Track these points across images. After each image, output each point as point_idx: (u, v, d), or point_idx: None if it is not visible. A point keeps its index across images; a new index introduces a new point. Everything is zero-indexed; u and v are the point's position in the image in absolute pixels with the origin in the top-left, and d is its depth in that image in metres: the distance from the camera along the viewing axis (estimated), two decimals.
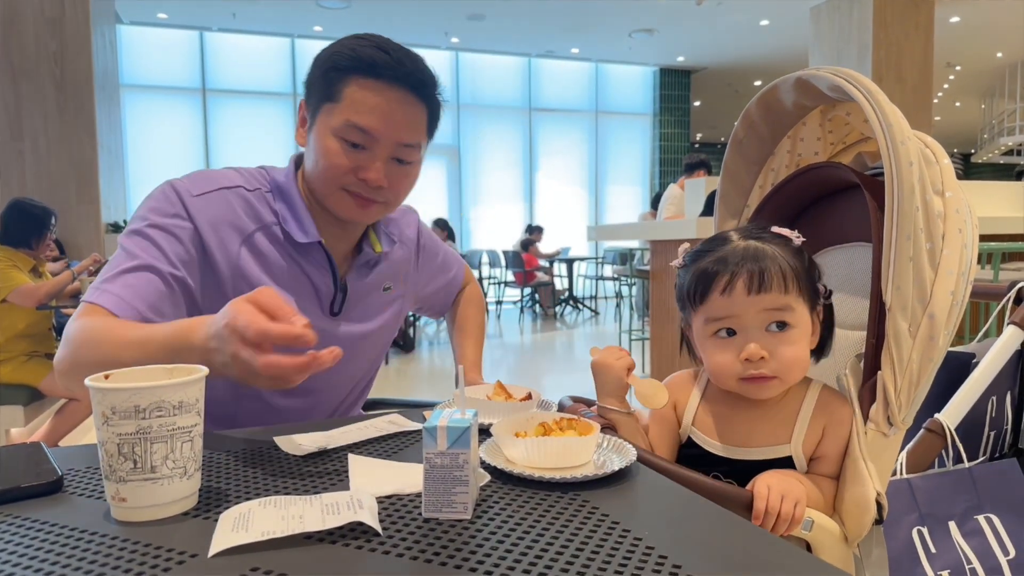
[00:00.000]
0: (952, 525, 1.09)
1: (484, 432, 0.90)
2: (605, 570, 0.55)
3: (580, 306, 9.19)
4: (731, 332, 0.92)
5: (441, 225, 7.10)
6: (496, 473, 0.78)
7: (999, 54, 11.11)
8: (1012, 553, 1.08)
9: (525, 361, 5.92)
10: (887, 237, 0.90)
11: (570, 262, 8.97)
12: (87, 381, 0.64)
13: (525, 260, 8.26)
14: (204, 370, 0.70)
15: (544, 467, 0.79)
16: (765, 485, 0.85)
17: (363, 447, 0.89)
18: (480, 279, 7.92)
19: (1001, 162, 13.77)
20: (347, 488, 0.73)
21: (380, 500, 0.70)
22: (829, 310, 0.99)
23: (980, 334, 1.27)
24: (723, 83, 11.88)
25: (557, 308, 8.92)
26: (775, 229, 0.97)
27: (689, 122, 11.38)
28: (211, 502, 0.70)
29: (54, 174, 5.87)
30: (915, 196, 0.89)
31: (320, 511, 0.64)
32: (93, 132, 5.97)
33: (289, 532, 0.60)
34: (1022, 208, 4.85)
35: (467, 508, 0.66)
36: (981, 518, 1.10)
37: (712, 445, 0.97)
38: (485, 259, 8.46)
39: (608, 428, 0.97)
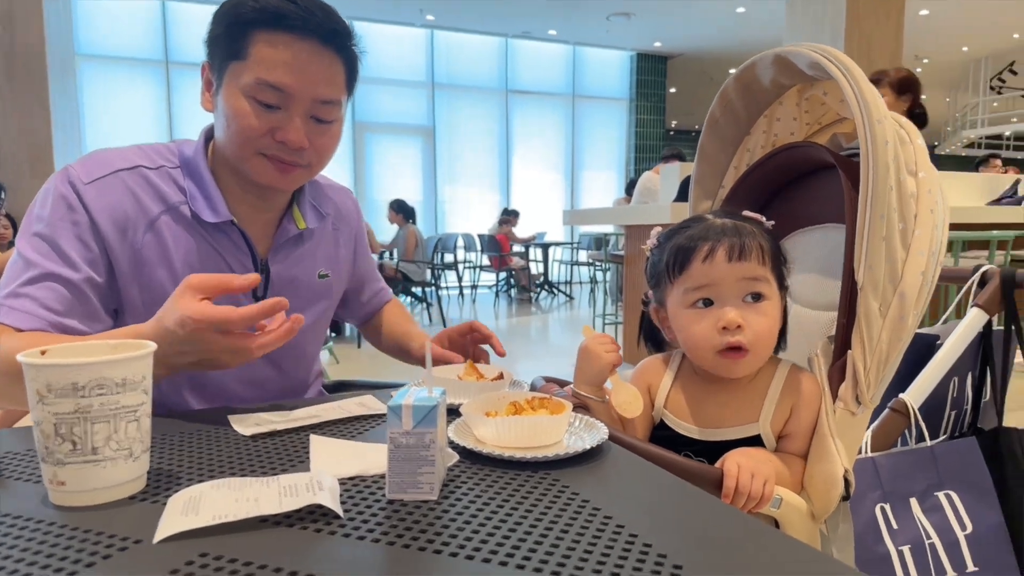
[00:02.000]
0: (913, 502, 1.10)
1: (454, 412, 0.88)
2: (574, 549, 0.54)
3: (555, 291, 9.21)
4: (708, 303, 0.92)
5: (397, 208, 6.61)
6: (465, 453, 0.76)
7: (965, 48, 11.31)
8: (969, 528, 1.09)
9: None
10: (861, 217, 0.90)
11: (545, 247, 8.97)
12: (19, 357, 0.60)
13: (500, 243, 8.24)
14: (151, 346, 0.66)
15: (514, 447, 0.77)
16: (735, 464, 0.85)
17: (327, 428, 0.87)
18: (455, 263, 7.87)
19: (963, 154, 14.06)
20: (307, 470, 0.71)
21: (342, 482, 0.68)
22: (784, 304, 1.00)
23: (944, 316, 1.29)
24: (698, 70, 11.92)
25: (532, 293, 8.92)
26: (746, 214, 0.97)
27: (665, 108, 11.41)
28: (160, 485, 0.67)
29: (4, 147, 5.62)
30: (889, 175, 0.89)
31: (277, 493, 0.62)
32: (46, 103, 5.66)
33: (243, 516, 0.57)
34: (981, 198, 4.95)
35: (433, 489, 0.64)
36: (941, 495, 1.11)
37: (683, 427, 0.96)
38: (460, 243, 8.40)
39: (581, 408, 0.96)
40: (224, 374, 1.08)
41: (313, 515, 0.60)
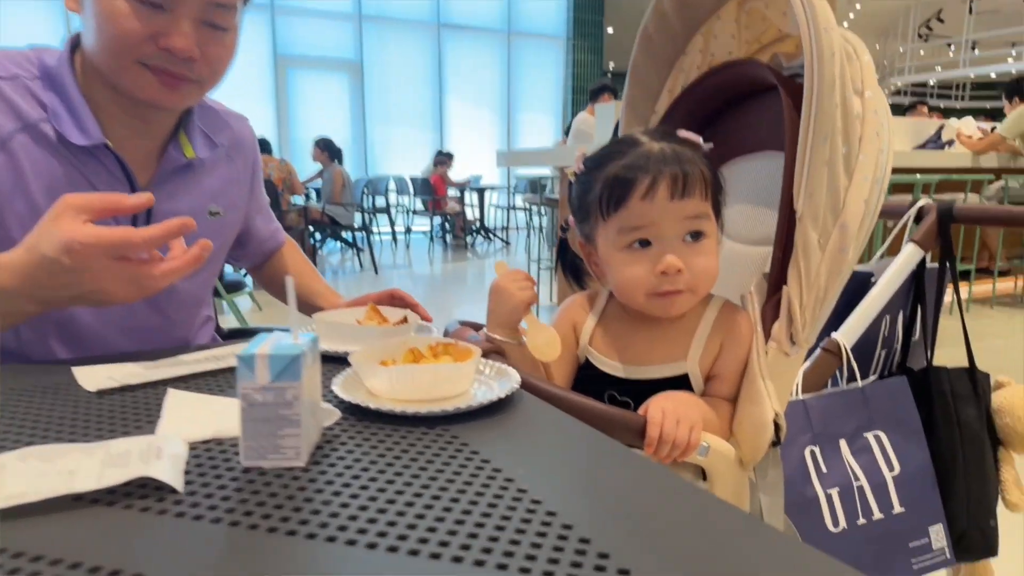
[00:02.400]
0: (843, 443, 1.07)
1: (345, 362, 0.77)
2: (463, 523, 0.44)
3: (491, 236, 9.07)
4: (644, 243, 0.82)
5: (323, 146, 6.16)
6: (352, 410, 0.65)
7: None
8: (897, 469, 1.07)
9: (435, 291, 5.78)
10: (803, 139, 0.81)
11: (481, 191, 8.78)
12: None
13: (434, 187, 8.00)
14: None
15: (413, 399, 0.67)
16: (659, 409, 0.77)
17: (194, 382, 0.74)
18: (387, 207, 7.60)
19: (890, 102, 14.45)
20: (154, 432, 0.59)
21: (194, 447, 0.56)
22: None
23: (879, 253, 1.24)
24: (637, 10, 11.67)
25: (468, 238, 8.77)
26: (682, 134, 0.87)
27: (603, 48, 11.19)
28: None
29: None
30: (835, 93, 0.80)
31: (100, 464, 0.49)
32: None
33: (51, 494, 0.45)
34: (908, 143, 5.06)
35: (299, 454, 0.53)
36: (870, 435, 1.08)
37: (609, 365, 0.88)
38: (392, 186, 8.12)
39: (495, 354, 0.86)
40: (100, 321, 0.94)
41: (145, 490, 0.48)
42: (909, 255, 1.16)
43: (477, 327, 1.01)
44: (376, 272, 6.17)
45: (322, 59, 8.80)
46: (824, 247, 0.82)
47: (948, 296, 1.25)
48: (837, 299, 0.85)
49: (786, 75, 0.98)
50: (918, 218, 1.21)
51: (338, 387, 0.67)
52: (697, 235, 0.83)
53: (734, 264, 1.02)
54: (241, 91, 7.94)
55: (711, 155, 0.87)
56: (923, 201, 1.21)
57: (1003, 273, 4.77)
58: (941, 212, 1.16)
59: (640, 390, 0.84)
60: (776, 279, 0.86)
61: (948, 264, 1.17)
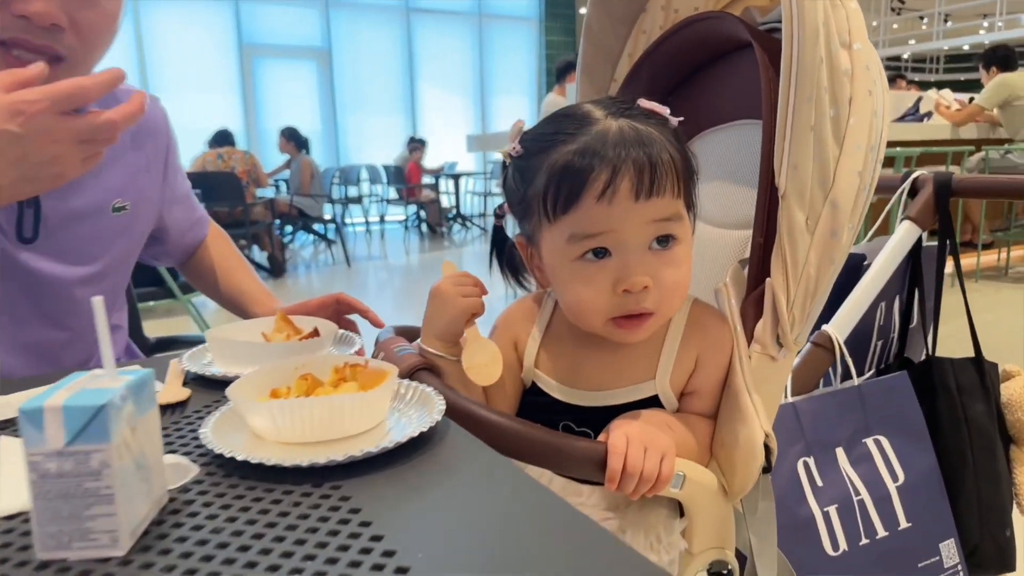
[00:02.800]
0: (840, 452, 0.94)
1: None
2: None
3: (468, 224, 8.90)
4: (602, 252, 0.66)
5: (289, 136, 5.93)
6: (221, 462, 0.51)
7: None
8: (901, 478, 0.95)
9: (411, 283, 5.62)
10: (783, 100, 0.68)
11: (456, 178, 8.59)
12: None
13: (408, 175, 7.81)
14: None
15: (305, 441, 0.53)
16: (623, 436, 0.64)
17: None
18: (359, 197, 7.39)
19: None
20: None
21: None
22: None
23: (870, 233, 1.12)
24: None
25: (444, 227, 8.59)
26: (645, 104, 0.70)
27: (575, 30, 10.99)
28: None
29: None
30: (819, 44, 0.67)
31: None
32: None
33: None
34: (888, 116, 4.95)
35: (116, 539, 0.39)
36: (870, 441, 0.96)
37: (560, 390, 0.74)
38: (364, 175, 7.91)
39: (426, 372, 0.72)
40: None
41: None
42: (905, 233, 1.03)
43: (416, 334, 0.86)
44: (349, 265, 5.99)
45: (289, 47, 8.54)
46: (813, 230, 0.69)
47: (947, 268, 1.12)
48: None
49: (761, 30, 0.84)
50: (912, 192, 1.09)
51: (209, 428, 0.53)
52: (666, 240, 0.67)
53: (708, 251, 0.89)
54: (205, 82, 7.71)
55: (679, 131, 0.72)
56: (918, 172, 1.08)
57: (986, 246, 4.70)
58: (938, 185, 1.03)
59: (601, 418, 0.70)
60: (757, 270, 0.73)
61: (949, 242, 1.04)
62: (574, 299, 0.68)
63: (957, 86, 6.28)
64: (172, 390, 0.66)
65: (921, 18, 12.44)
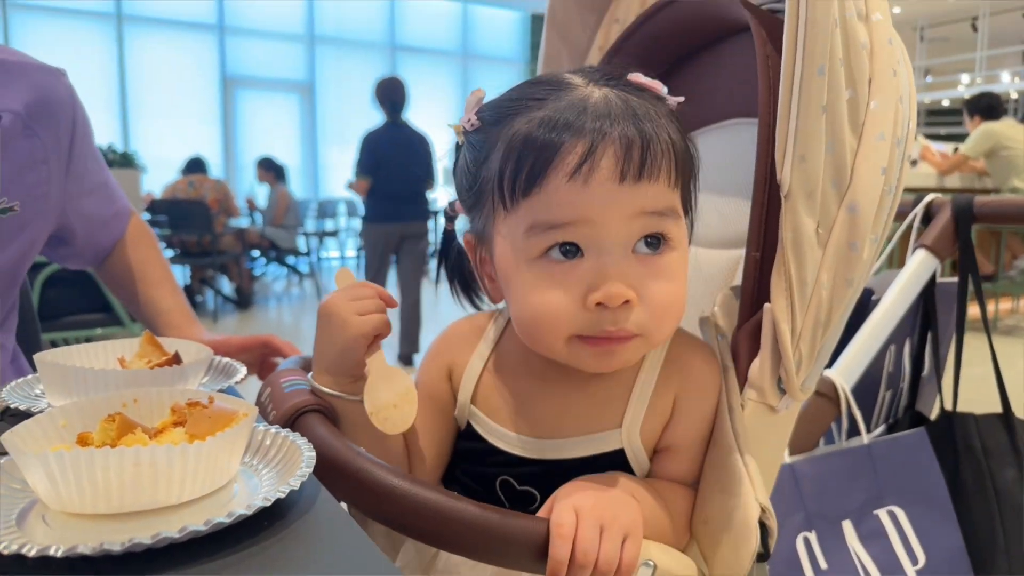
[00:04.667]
0: (847, 526, 0.77)
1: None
2: None
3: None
4: (571, 251, 0.50)
5: (267, 166, 5.78)
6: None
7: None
8: (922, 560, 0.78)
9: (392, 318, 5.44)
10: (787, 74, 0.53)
11: (435, 214, 8.49)
12: None
13: None
14: None
15: (97, 511, 0.36)
16: (570, 510, 0.47)
17: None
18: (335, 231, 7.23)
19: None
20: None
21: None
22: None
23: (879, 263, 0.97)
24: None
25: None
26: (635, 77, 0.55)
27: None
28: None
29: None
30: (832, 6, 0.52)
31: None
32: None
33: None
34: None
35: None
36: (883, 512, 0.79)
37: (502, 436, 0.57)
38: (343, 208, 7.77)
39: (317, 413, 0.54)
40: None
41: None
42: (920, 264, 0.88)
43: None
44: (319, 297, 5.80)
45: (272, 80, 8.52)
46: (825, 241, 0.53)
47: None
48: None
49: (759, 7, 0.70)
50: (926, 218, 0.94)
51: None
52: (657, 242, 0.51)
53: (692, 274, 0.73)
54: (185, 111, 7.62)
55: (679, 115, 0.57)
56: (932, 195, 0.93)
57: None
58: (958, 209, 0.89)
59: (551, 474, 0.53)
60: (753, 293, 0.57)
61: (971, 276, 0.89)
62: (530, 311, 0.51)
63: (938, 139, 6.31)
64: None
65: None
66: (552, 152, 0.49)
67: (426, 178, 3.85)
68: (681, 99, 0.57)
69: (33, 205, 0.81)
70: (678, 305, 0.53)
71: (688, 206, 0.56)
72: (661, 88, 0.55)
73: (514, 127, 0.52)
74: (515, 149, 0.51)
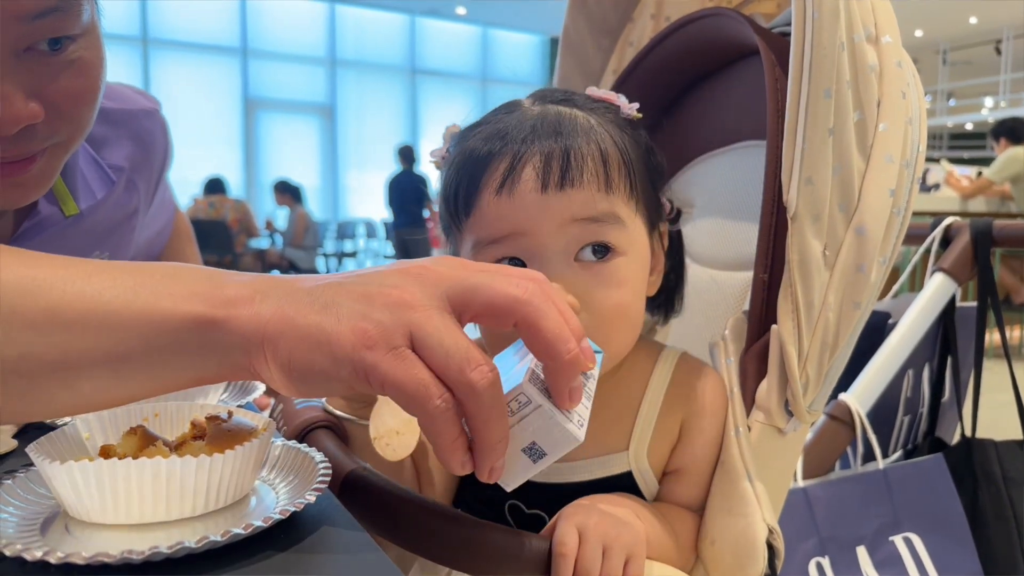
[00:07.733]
0: (862, 552, 0.76)
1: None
2: None
3: None
4: (518, 265, 0.52)
5: (283, 189, 5.77)
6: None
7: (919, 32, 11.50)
8: None
9: None
10: (793, 96, 0.53)
11: None
12: None
13: None
14: None
15: (119, 521, 0.38)
16: (573, 530, 0.47)
17: None
18: (354, 252, 7.30)
19: None
20: None
21: None
22: (677, 240, 0.63)
23: (895, 288, 0.96)
24: None
25: None
26: (593, 92, 0.59)
27: None
28: None
29: None
30: (839, 27, 0.53)
31: None
32: None
33: None
34: None
35: None
36: (898, 539, 0.78)
37: None
38: (362, 230, 7.86)
39: (327, 430, 0.55)
40: None
41: None
42: (938, 288, 0.87)
43: None
44: None
45: (294, 102, 8.68)
46: (832, 263, 0.53)
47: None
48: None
49: (769, 30, 0.71)
50: (944, 242, 0.93)
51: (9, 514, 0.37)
52: (602, 251, 0.52)
53: (701, 297, 0.73)
54: (206, 133, 7.77)
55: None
56: (951, 218, 0.93)
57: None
58: (977, 232, 0.88)
59: (560, 498, 0.53)
60: (760, 315, 0.57)
61: (991, 300, 0.88)
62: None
63: (962, 163, 6.25)
64: None
65: (925, 95, 12.63)
66: (481, 171, 0.53)
67: None
68: (636, 104, 0.59)
69: (121, 252, 0.80)
70: (628, 310, 0.53)
71: (653, 211, 0.57)
72: (616, 97, 0.58)
73: (461, 148, 0.56)
74: (456, 172, 0.55)
